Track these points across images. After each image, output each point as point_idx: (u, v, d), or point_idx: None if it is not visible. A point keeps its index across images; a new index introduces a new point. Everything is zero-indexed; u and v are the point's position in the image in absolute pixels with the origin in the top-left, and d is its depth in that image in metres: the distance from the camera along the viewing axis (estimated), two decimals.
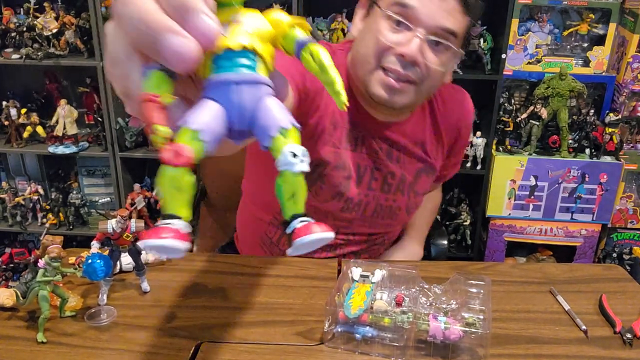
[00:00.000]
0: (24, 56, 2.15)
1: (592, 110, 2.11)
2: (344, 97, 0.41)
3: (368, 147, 1.08)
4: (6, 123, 2.27)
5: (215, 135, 0.37)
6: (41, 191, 2.41)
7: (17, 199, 2.38)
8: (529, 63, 2.10)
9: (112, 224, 0.89)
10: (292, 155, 0.37)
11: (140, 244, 0.29)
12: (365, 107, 1.05)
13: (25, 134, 2.27)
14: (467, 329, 0.81)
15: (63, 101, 2.22)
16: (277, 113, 0.38)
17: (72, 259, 1.01)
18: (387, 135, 1.08)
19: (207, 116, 0.37)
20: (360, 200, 1.10)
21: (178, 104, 0.38)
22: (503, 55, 2.05)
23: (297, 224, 0.38)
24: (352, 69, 1.03)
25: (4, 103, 2.26)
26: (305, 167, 0.37)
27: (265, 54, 0.39)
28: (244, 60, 0.38)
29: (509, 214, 2.19)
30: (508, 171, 2.12)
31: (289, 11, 2.08)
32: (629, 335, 0.89)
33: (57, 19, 2.18)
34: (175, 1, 0.34)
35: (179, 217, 0.36)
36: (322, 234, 0.38)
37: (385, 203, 1.13)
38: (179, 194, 0.36)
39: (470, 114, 1.22)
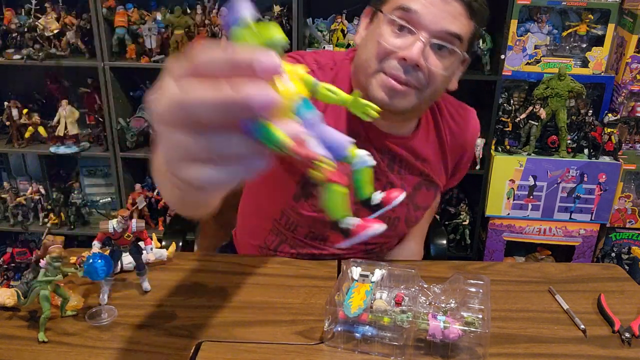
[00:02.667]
0: (25, 57, 2.16)
1: (591, 111, 2.11)
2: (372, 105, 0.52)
3: None
4: (8, 123, 2.27)
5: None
6: (42, 191, 2.41)
7: (18, 199, 2.39)
8: (527, 63, 2.10)
9: (113, 224, 0.90)
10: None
11: None
12: None
13: (27, 134, 2.27)
14: (466, 328, 0.81)
15: (64, 101, 2.22)
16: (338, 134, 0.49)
17: (73, 259, 1.02)
18: (389, 147, 1.06)
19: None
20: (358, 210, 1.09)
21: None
22: (502, 56, 2.05)
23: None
24: (354, 76, 1.01)
25: (6, 103, 2.26)
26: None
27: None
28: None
29: (508, 214, 2.19)
30: (507, 171, 2.13)
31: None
32: (627, 335, 0.89)
33: (58, 19, 2.19)
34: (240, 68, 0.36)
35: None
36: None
37: (384, 213, 1.12)
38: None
39: (477, 132, 1.20)
